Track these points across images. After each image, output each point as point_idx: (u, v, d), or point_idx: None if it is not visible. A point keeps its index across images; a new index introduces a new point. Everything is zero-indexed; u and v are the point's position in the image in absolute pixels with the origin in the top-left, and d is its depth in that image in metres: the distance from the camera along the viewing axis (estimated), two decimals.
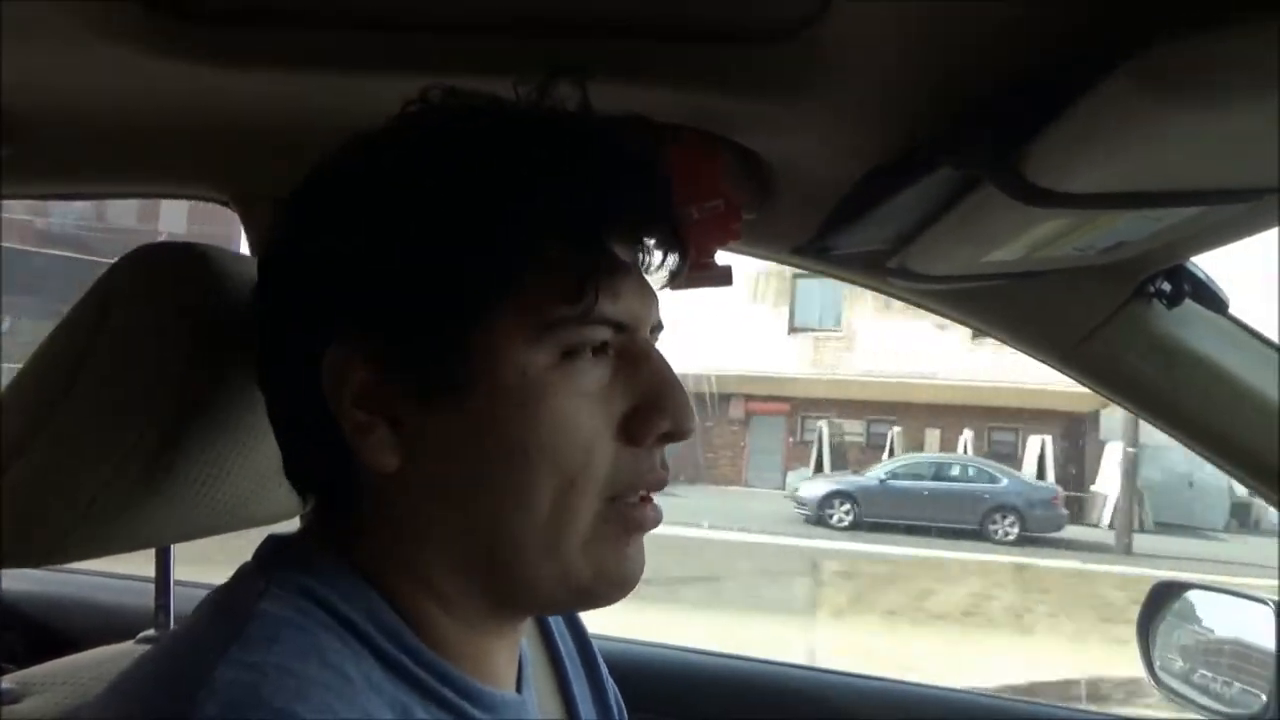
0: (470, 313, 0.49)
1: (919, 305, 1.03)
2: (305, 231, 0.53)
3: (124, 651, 0.77)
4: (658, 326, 0.55)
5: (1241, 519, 15.30)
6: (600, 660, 0.73)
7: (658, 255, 0.54)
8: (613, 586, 0.53)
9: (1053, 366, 1.05)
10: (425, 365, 0.49)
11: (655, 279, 0.55)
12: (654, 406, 0.52)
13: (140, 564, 0.88)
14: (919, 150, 0.67)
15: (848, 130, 0.78)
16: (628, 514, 0.52)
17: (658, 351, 0.54)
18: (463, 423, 0.49)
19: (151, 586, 0.85)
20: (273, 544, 0.54)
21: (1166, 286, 0.93)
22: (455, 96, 0.53)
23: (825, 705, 1.21)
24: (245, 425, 0.63)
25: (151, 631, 0.83)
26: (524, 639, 0.63)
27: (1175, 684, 1.24)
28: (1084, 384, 1.05)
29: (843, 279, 1.01)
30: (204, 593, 0.53)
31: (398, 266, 0.49)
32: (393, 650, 0.49)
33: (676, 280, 0.67)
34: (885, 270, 0.88)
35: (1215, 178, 0.55)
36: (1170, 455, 13.76)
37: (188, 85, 0.77)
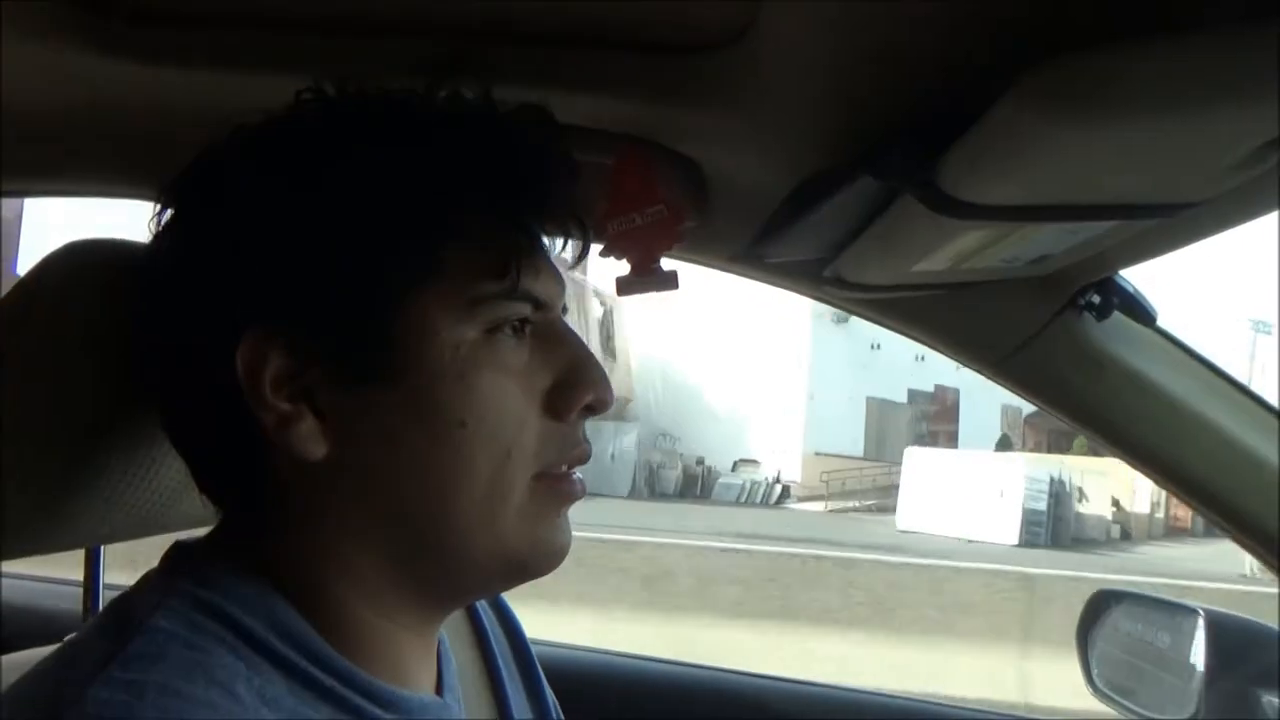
0: (396, 293, 0.49)
1: (855, 314, 1.04)
2: (205, 223, 0.52)
3: (45, 655, 0.76)
4: (564, 309, 0.57)
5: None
6: (537, 664, 0.72)
7: (560, 240, 0.57)
8: (548, 557, 0.54)
9: (985, 375, 1.07)
10: (352, 351, 0.49)
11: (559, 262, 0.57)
12: (575, 381, 0.53)
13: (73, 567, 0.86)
14: (845, 161, 0.68)
15: (780, 140, 0.79)
16: (557, 487, 0.53)
17: (572, 330, 0.55)
18: (397, 404, 0.49)
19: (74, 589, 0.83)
20: (178, 552, 0.53)
21: (1096, 299, 0.96)
22: (350, 90, 0.54)
23: (765, 710, 1.22)
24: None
25: (78, 635, 0.82)
26: (454, 642, 0.63)
27: (1111, 691, 1.27)
28: (1017, 393, 1.08)
29: (780, 287, 1.02)
30: None
31: (314, 253, 0.49)
32: (296, 659, 0.48)
33: (623, 285, 0.68)
34: (821, 279, 0.89)
35: (1119, 193, 0.57)
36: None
37: (118, 84, 0.77)
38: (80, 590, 0.85)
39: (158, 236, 0.54)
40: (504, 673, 0.68)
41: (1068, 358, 1.00)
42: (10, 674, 0.71)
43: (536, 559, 0.53)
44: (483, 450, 0.50)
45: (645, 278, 0.85)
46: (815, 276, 0.89)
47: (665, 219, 0.84)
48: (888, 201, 0.68)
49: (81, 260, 0.63)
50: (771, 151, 0.80)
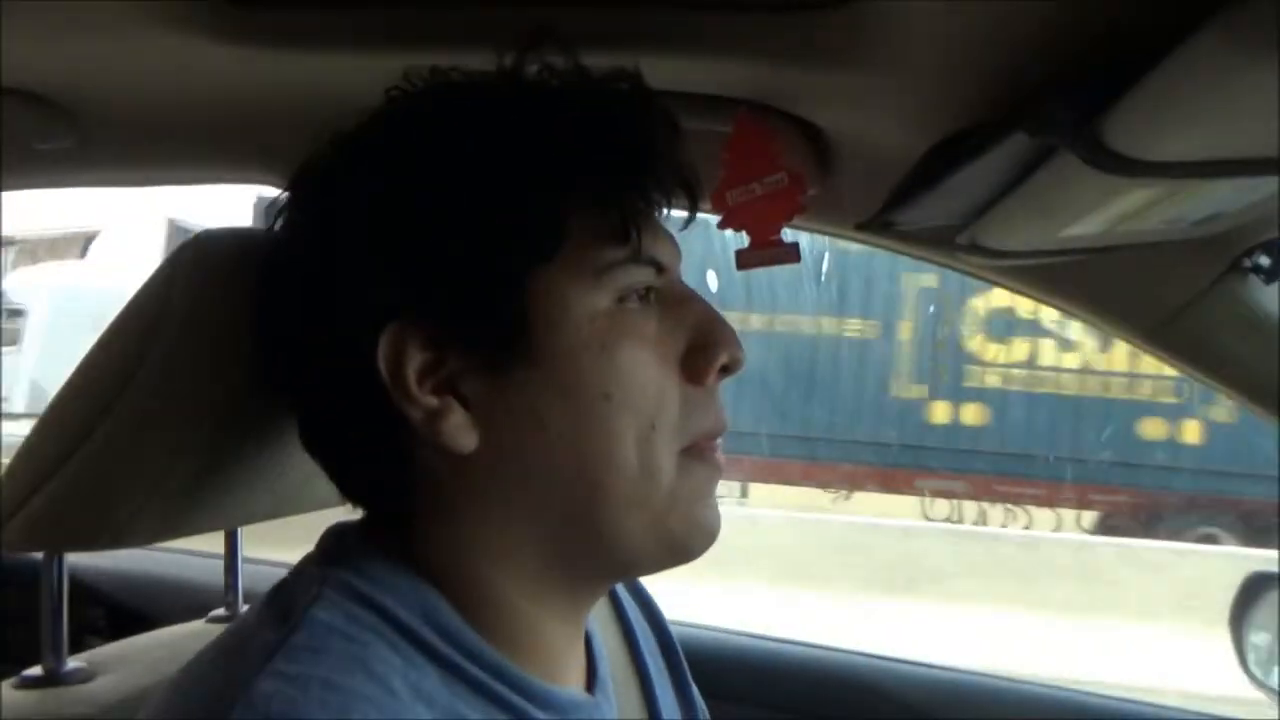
0: (525, 270, 0.48)
1: (991, 281, 0.98)
2: (330, 215, 0.51)
3: (194, 631, 0.79)
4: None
5: None
6: (682, 657, 0.71)
7: (666, 207, 0.55)
8: (704, 537, 0.53)
9: (1135, 345, 1.00)
10: (489, 335, 0.48)
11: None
12: (709, 342, 0.52)
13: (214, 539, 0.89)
14: (990, 119, 0.63)
15: (912, 99, 0.74)
16: (704, 460, 0.52)
17: (694, 291, 0.54)
18: (540, 382, 0.48)
19: (222, 563, 0.86)
20: (332, 538, 0.53)
21: (1264, 260, 0.87)
22: (461, 70, 0.54)
23: (901, 699, 1.18)
24: None
25: (221, 611, 0.85)
26: (602, 637, 0.61)
27: (1268, 679, 1.19)
28: (1170, 363, 1.00)
29: (910, 254, 0.97)
30: (274, 571, 0.53)
31: (442, 239, 0.48)
32: (452, 654, 0.48)
33: (742, 259, 0.65)
34: (955, 246, 0.84)
35: None
36: None
37: (242, 69, 0.77)
38: (219, 563, 0.88)
39: (282, 226, 0.54)
40: (651, 667, 0.67)
41: (1231, 324, 0.92)
42: (162, 649, 0.74)
43: (692, 540, 0.52)
44: (628, 424, 0.49)
45: (765, 250, 0.82)
46: (949, 243, 0.84)
47: (786, 188, 0.80)
48: (1039, 161, 0.62)
49: (213, 250, 0.63)
50: (902, 112, 0.75)
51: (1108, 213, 0.67)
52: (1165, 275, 0.91)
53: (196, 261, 0.63)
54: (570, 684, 0.54)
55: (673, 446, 0.51)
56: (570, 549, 0.51)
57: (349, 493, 0.54)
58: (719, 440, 0.54)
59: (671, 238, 0.54)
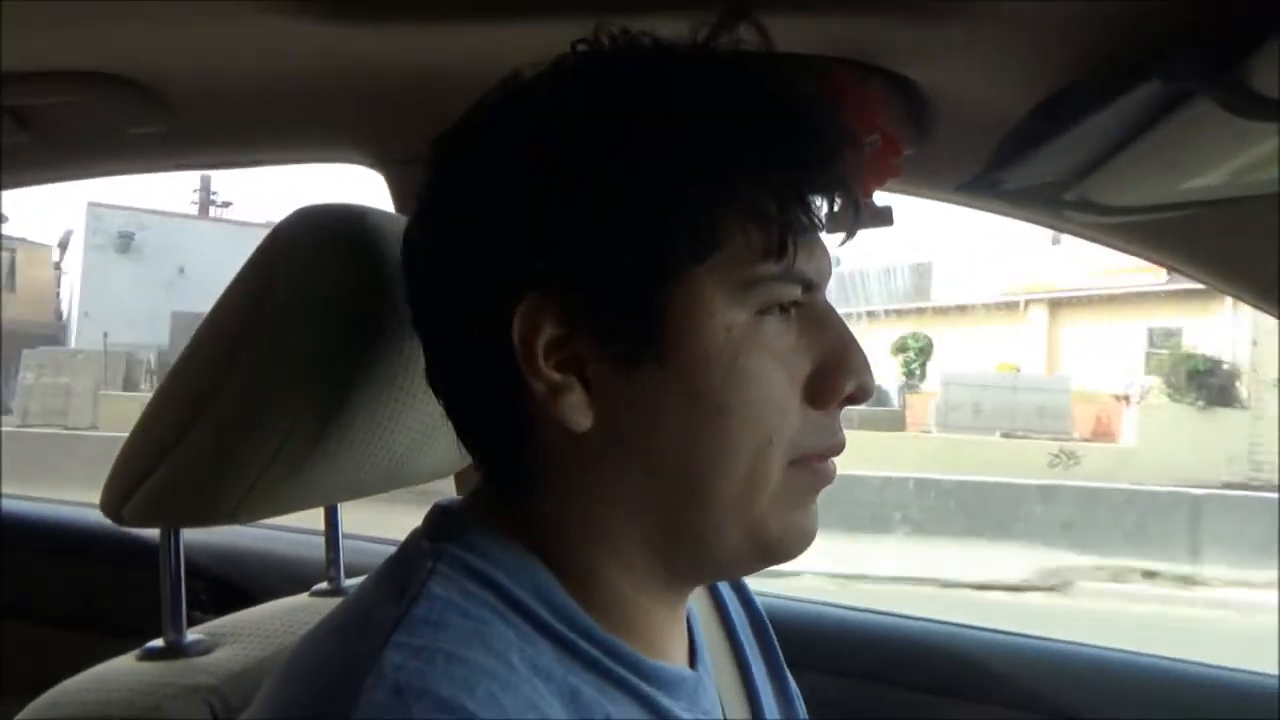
0: (675, 269, 0.47)
1: (1096, 240, 0.94)
2: (486, 178, 0.50)
3: (301, 604, 0.80)
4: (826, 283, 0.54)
5: None
6: (776, 643, 0.70)
7: (826, 214, 0.51)
8: (799, 541, 0.52)
9: (1250, 303, 0.95)
10: (625, 324, 0.47)
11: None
12: (838, 367, 0.51)
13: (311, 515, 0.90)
14: (1109, 69, 0.60)
15: (1019, 50, 0.71)
16: (812, 471, 0.52)
17: (836, 312, 0.52)
18: (664, 382, 0.48)
19: (320, 539, 0.88)
20: (439, 514, 0.53)
21: None
22: (625, 37, 0.51)
23: (985, 666, 1.16)
24: (403, 383, 0.63)
25: (324, 585, 0.86)
26: (699, 618, 0.61)
27: None
28: None
29: (1011, 215, 0.93)
30: (372, 547, 0.53)
31: (601, 216, 0.47)
32: (564, 630, 0.48)
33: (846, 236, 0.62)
34: (1062, 204, 0.80)
35: None
36: None
37: (329, 46, 0.77)
38: (320, 539, 0.89)
39: (424, 195, 0.53)
40: (748, 651, 0.67)
41: None
42: (275, 622, 0.75)
43: (787, 543, 0.51)
44: (745, 436, 0.48)
45: (858, 215, 0.80)
46: (1055, 201, 0.81)
47: (882, 149, 0.77)
48: (1164, 111, 0.59)
49: (315, 225, 0.64)
50: (1008, 66, 0.72)
51: (1236, 163, 0.63)
52: None
53: (300, 236, 0.63)
54: (676, 661, 0.54)
55: (783, 459, 0.50)
56: (669, 546, 0.50)
57: (472, 451, 0.54)
58: (830, 457, 0.53)
59: (827, 254, 0.52)
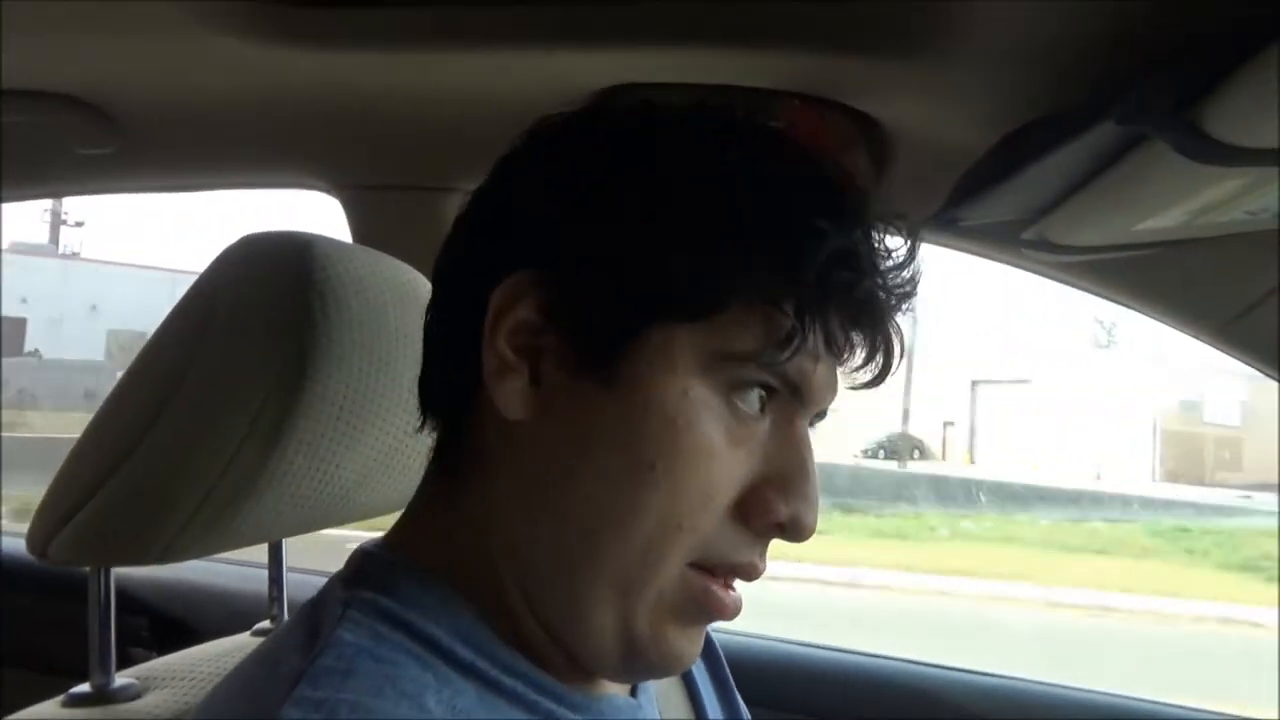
0: (663, 314, 0.45)
1: (1053, 278, 0.94)
2: (525, 166, 0.50)
3: (238, 645, 0.77)
4: (822, 414, 0.50)
5: None
6: (723, 658, 0.69)
7: (857, 352, 0.48)
8: (664, 661, 0.47)
9: (1205, 342, 0.96)
10: (593, 340, 0.45)
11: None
12: (782, 487, 0.46)
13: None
14: (1069, 109, 0.60)
15: (979, 89, 0.71)
16: (708, 591, 0.47)
17: (810, 441, 0.48)
18: (603, 409, 0.45)
19: (266, 572, 0.85)
20: (359, 556, 0.52)
21: None
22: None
23: (945, 705, 1.15)
24: (349, 417, 0.61)
25: (266, 624, 0.83)
26: None
27: None
28: (1241, 360, 0.96)
29: (970, 252, 0.94)
30: (320, 581, 0.51)
31: (617, 232, 0.46)
32: (486, 667, 0.46)
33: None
34: (1020, 243, 0.81)
35: None
36: None
37: (284, 70, 0.76)
38: (263, 572, 0.87)
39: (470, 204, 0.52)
40: (697, 676, 0.65)
41: None
42: (210, 664, 0.72)
43: (651, 655, 0.47)
44: (658, 505, 0.44)
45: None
46: (1013, 239, 0.81)
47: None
48: (1122, 152, 0.59)
49: (259, 253, 0.62)
50: (968, 103, 0.72)
51: (1191, 204, 0.63)
52: (1237, 270, 0.88)
53: (243, 264, 0.61)
54: (610, 688, 0.52)
55: (685, 556, 0.46)
56: (542, 591, 0.47)
57: (426, 405, 0.52)
58: (733, 581, 0.48)
59: (833, 379, 0.48)
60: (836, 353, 0.47)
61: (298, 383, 0.58)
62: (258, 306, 0.59)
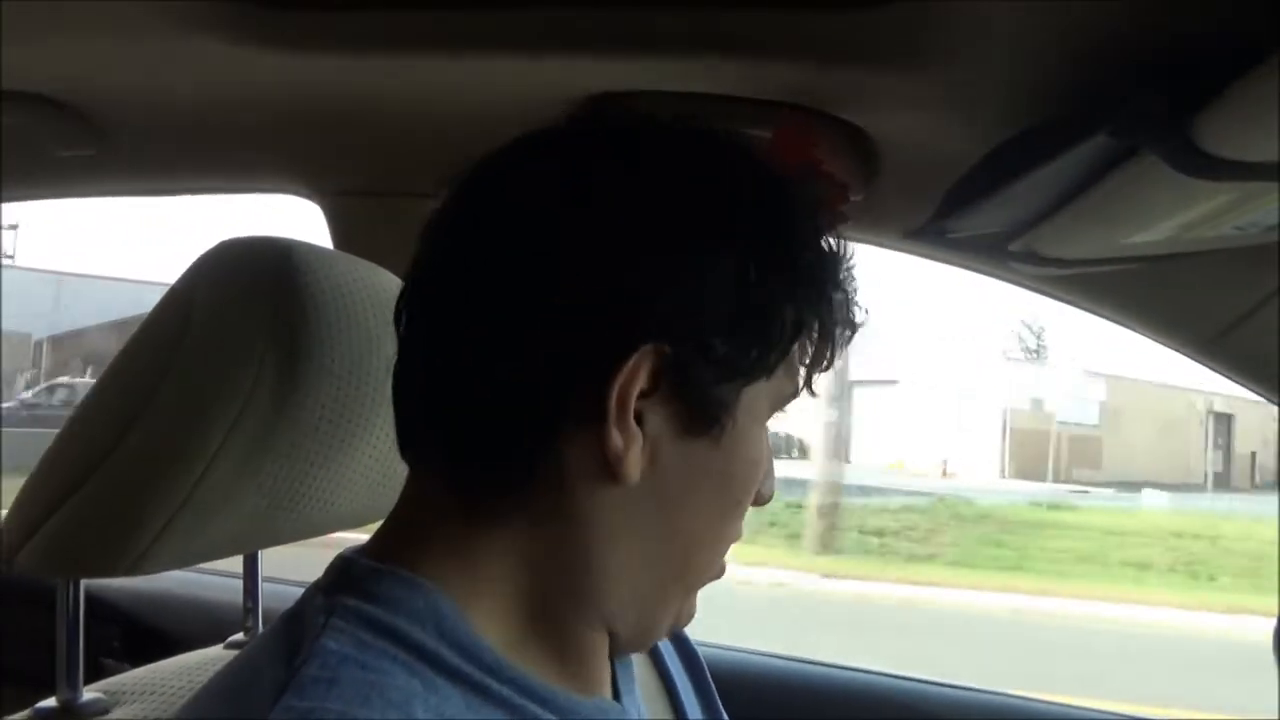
0: (761, 370, 0.49)
1: (1041, 292, 0.94)
2: (622, 219, 0.48)
3: (211, 658, 0.76)
4: None
5: None
6: (707, 672, 0.69)
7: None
8: (684, 624, 0.56)
9: (1190, 357, 0.96)
10: (705, 398, 0.48)
11: None
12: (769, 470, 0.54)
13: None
14: (1060, 121, 0.60)
15: (969, 101, 0.71)
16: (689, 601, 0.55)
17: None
18: (708, 461, 0.49)
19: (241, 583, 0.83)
20: (340, 564, 0.50)
21: None
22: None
23: (919, 715, 1.15)
24: (328, 426, 0.60)
25: (240, 636, 0.82)
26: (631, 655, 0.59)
27: None
28: (1226, 375, 0.96)
29: (957, 265, 0.93)
30: (296, 592, 0.50)
31: (719, 300, 0.47)
32: (471, 670, 0.45)
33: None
34: (1007, 255, 0.80)
35: None
36: None
37: (267, 74, 0.75)
38: (238, 583, 0.85)
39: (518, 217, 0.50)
40: (677, 681, 0.66)
41: None
42: (181, 679, 0.70)
43: (682, 622, 0.55)
44: (738, 526, 0.53)
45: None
46: (1000, 252, 0.80)
47: (829, 195, 0.77)
48: (1112, 165, 0.59)
49: (237, 258, 0.60)
50: (958, 115, 0.72)
51: (1180, 218, 0.63)
52: (1222, 285, 0.88)
53: (220, 270, 0.60)
54: (596, 693, 0.52)
55: (699, 583, 0.54)
56: (627, 607, 0.52)
57: (460, 458, 0.49)
58: None
59: None
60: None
61: (275, 391, 0.57)
62: (235, 312, 0.58)
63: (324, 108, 0.80)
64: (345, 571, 0.50)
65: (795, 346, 0.50)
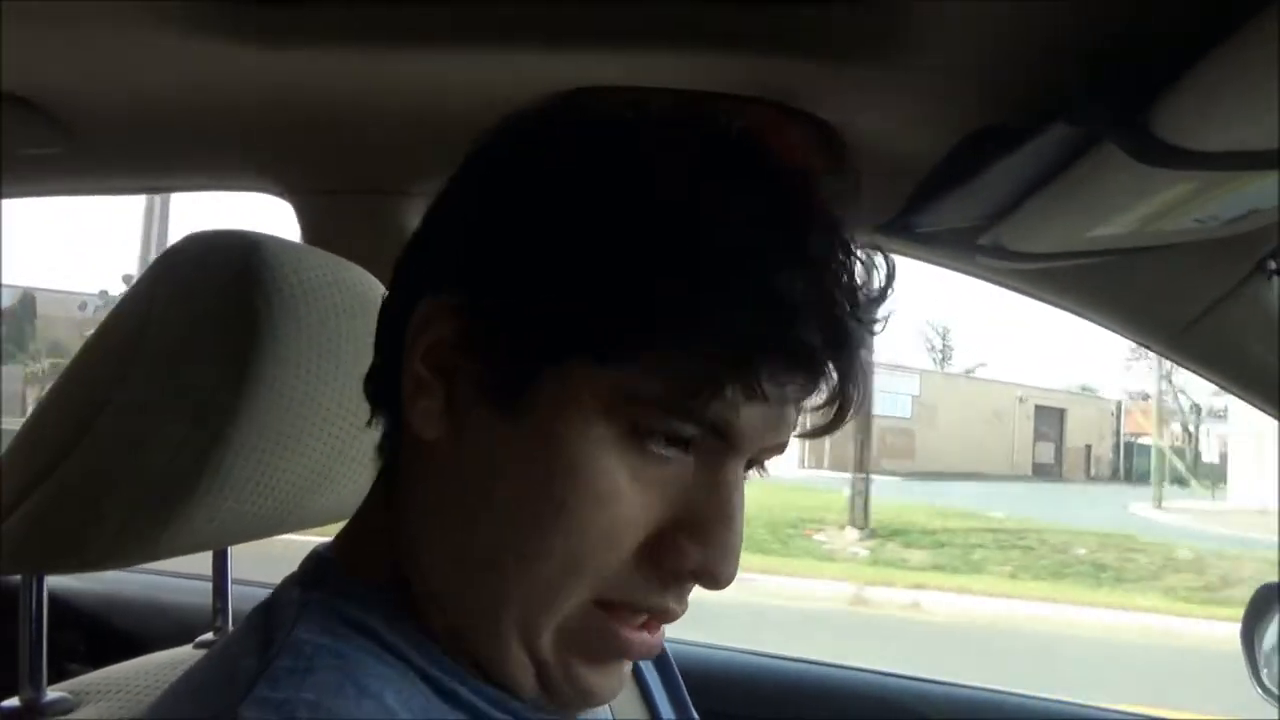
0: (570, 350, 0.42)
1: (1008, 286, 0.95)
2: (467, 183, 0.49)
3: (180, 657, 0.75)
4: (775, 449, 0.46)
5: None
6: (675, 667, 0.69)
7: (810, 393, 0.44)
8: (578, 695, 0.46)
9: (1156, 350, 0.97)
10: (505, 363, 0.44)
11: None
12: (695, 533, 0.43)
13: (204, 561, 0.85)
14: (1024, 113, 0.61)
15: (936, 95, 0.71)
16: (610, 630, 0.45)
17: (739, 481, 0.45)
18: (509, 437, 0.44)
19: (210, 585, 0.82)
20: (312, 560, 0.51)
21: None
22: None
23: (902, 711, 1.15)
24: (293, 422, 0.59)
25: (209, 635, 0.81)
26: None
27: None
28: (1190, 368, 0.97)
29: (926, 259, 0.94)
30: (263, 592, 0.50)
31: (534, 258, 0.44)
32: (440, 676, 0.45)
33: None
34: (976, 249, 0.81)
35: None
36: None
37: (237, 71, 0.74)
38: (206, 585, 0.84)
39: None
40: (649, 679, 0.65)
41: (1255, 328, 0.90)
42: (148, 678, 0.69)
43: (565, 688, 0.45)
44: (557, 544, 0.42)
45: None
46: (969, 246, 0.81)
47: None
48: (1074, 156, 0.60)
49: (204, 251, 0.60)
50: (925, 108, 0.73)
51: (1141, 210, 0.64)
52: (1187, 279, 0.89)
53: (187, 263, 0.59)
54: None
55: (585, 594, 0.44)
56: (466, 601, 0.46)
57: (373, 410, 0.51)
58: (649, 623, 0.46)
59: (776, 420, 0.44)
60: (772, 398, 0.42)
61: (241, 385, 0.57)
62: (201, 306, 0.57)
63: (295, 105, 0.79)
64: (318, 567, 0.50)
65: (682, 347, 0.40)
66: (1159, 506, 17.71)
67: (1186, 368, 0.97)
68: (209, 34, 0.70)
